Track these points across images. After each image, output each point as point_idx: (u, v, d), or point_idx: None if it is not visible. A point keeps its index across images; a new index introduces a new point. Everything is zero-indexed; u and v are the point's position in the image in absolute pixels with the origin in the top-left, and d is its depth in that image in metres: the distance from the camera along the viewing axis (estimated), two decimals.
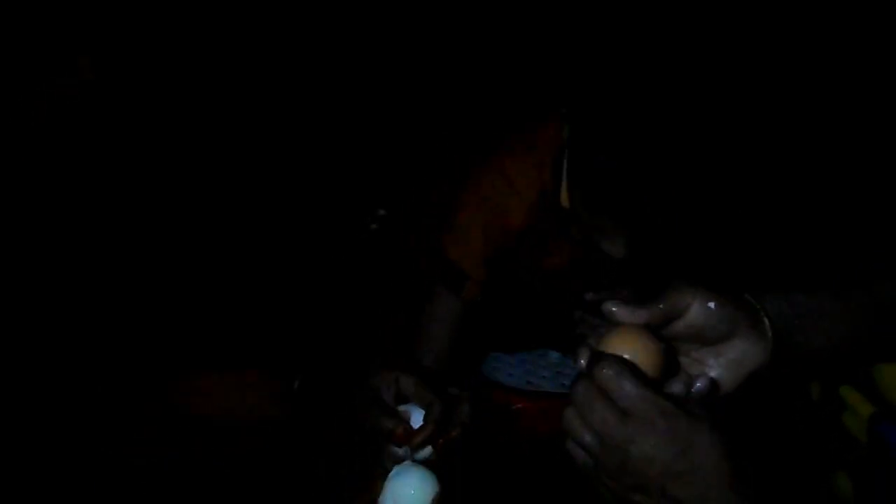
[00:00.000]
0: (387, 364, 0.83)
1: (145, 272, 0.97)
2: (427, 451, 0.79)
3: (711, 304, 0.59)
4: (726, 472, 0.53)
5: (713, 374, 0.60)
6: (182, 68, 1.11)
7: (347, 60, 1.67)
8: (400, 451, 0.79)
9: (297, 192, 1.50)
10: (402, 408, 0.81)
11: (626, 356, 0.56)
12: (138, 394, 0.85)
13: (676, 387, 0.58)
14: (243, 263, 1.24)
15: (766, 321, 0.60)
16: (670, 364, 0.59)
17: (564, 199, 1.11)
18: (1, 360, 0.78)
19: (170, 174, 1.04)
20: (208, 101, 1.25)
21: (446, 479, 0.74)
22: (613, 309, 0.59)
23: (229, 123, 1.33)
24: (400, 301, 1.36)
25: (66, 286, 0.86)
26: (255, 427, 0.87)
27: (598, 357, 0.56)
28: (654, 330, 0.59)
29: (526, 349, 1.31)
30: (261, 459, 0.92)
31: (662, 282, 0.60)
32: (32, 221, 0.85)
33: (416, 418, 0.80)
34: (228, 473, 0.88)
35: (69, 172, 0.88)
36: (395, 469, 0.75)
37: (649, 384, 0.55)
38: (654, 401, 0.54)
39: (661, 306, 0.59)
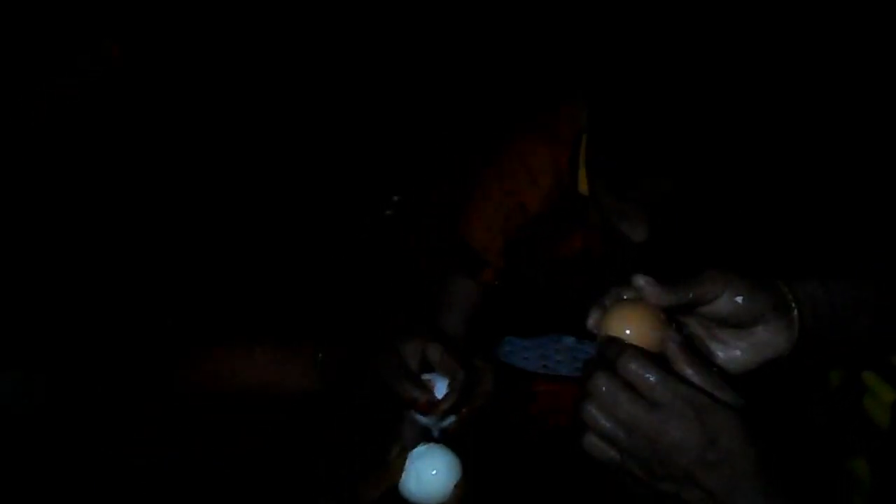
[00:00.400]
0: (413, 332, 0.82)
1: (166, 250, 0.98)
2: (449, 420, 0.78)
3: (739, 299, 0.59)
4: (754, 460, 0.53)
5: (731, 353, 0.60)
6: (202, 57, 1.11)
7: (359, 49, 1.66)
8: (423, 420, 0.78)
9: (318, 175, 1.50)
10: (426, 376, 0.80)
11: (629, 331, 0.56)
12: (139, 394, 0.85)
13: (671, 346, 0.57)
14: (265, 241, 1.25)
15: (795, 312, 0.59)
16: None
17: (582, 185, 1.11)
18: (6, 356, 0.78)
19: (190, 158, 1.04)
20: (227, 91, 1.25)
21: (469, 461, 0.73)
22: (642, 283, 0.58)
23: (249, 113, 1.34)
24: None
25: (78, 270, 0.86)
26: (281, 401, 0.87)
27: (616, 347, 0.56)
28: (674, 311, 0.59)
29: (540, 334, 1.31)
30: (279, 440, 0.93)
31: (693, 268, 0.60)
32: (41, 215, 0.85)
33: (440, 387, 0.79)
34: (232, 471, 0.88)
35: (81, 160, 0.88)
36: (418, 449, 0.74)
37: (673, 374, 0.54)
38: (683, 390, 0.53)
39: (690, 295, 0.58)
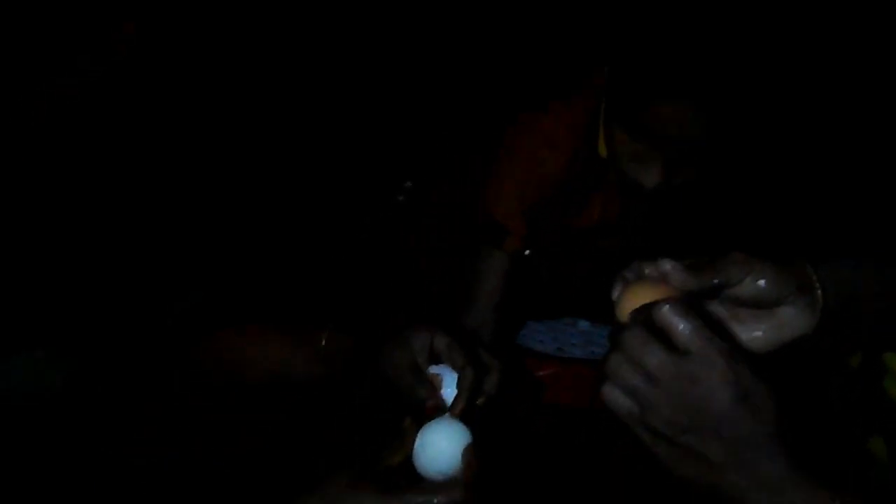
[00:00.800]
0: (421, 323, 0.82)
1: (178, 235, 0.98)
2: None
3: (762, 283, 0.59)
4: (782, 419, 0.53)
5: (753, 333, 0.60)
6: (208, 47, 1.11)
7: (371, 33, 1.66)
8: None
9: (327, 161, 1.50)
10: (433, 369, 0.81)
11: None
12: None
13: None
14: (274, 227, 1.25)
15: (819, 292, 0.59)
16: None
17: (602, 147, 1.12)
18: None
19: (196, 148, 1.04)
20: (231, 84, 1.25)
21: (479, 435, 0.74)
22: (668, 268, 0.58)
23: (254, 105, 1.34)
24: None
25: (91, 255, 0.87)
26: (287, 385, 0.88)
27: (640, 310, 0.56)
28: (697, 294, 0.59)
29: (555, 317, 1.32)
30: (278, 440, 0.93)
31: (716, 249, 0.60)
32: (54, 205, 0.85)
33: (449, 381, 0.79)
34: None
35: (91, 148, 0.88)
36: (428, 424, 0.74)
37: (710, 327, 0.54)
38: (717, 342, 0.53)
39: (715, 280, 0.58)
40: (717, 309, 0.63)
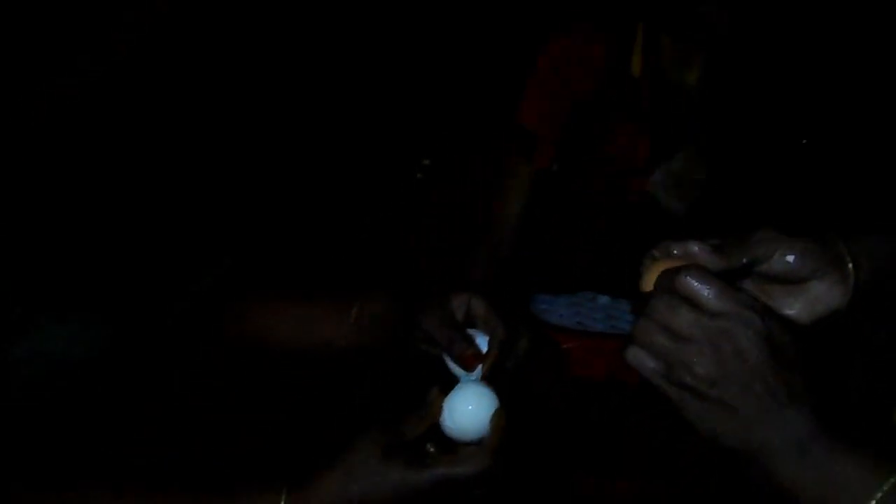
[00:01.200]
0: (460, 287, 0.84)
1: (207, 206, 0.98)
2: (477, 373, 0.80)
3: (791, 258, 0.59)
4: (809, 375, 0.53)
5: (785, 310, 0.60)
6: (215, 37, 1.11)
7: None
8: (459, 373, 0.80)
9: (350, 136, 1.50)
10: (467, 332, 0.82)
11: None
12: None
13: None
14: (303, 197, 1.25)
15: (850, 265, 0.59)
16: None
17: (636, 66, 1.14)
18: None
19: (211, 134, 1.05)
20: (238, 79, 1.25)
21: (504, 400, 0.74)
22: (696, 249, 0.58)
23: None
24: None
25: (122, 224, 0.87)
26: (320, 355, 0.89)
27: (673, 271, 0.56)
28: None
29: (575, 292, 1.33)
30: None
31: (747, 225, 0.60)
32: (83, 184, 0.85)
33: (480, 343, 0.81)
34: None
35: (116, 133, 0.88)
36: (456, 387, 0.75)
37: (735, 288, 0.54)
38: (745, 299, 0.53)
39: (744, 260, 0.59)
40: (747, 286, 0.63)
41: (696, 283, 0.54)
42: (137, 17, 0.86)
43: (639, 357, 0.56)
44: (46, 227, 0.80)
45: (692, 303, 0.54)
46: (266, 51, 1.17)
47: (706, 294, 0.53)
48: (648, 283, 0.59)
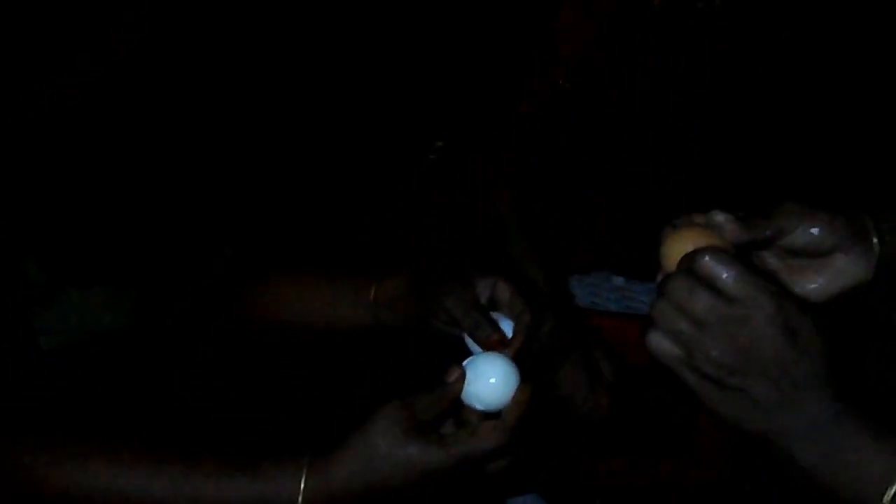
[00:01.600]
0: (486, 269, 0.83)
1: (229, 182, 0.99)
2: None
3: (815, 230, 0.58)
4: (828, 358, 0.53)
5: (808, 283, 0.60)
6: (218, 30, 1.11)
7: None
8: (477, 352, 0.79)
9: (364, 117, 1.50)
10: (492, 315, 0.81)
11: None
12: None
13: None
14: (323, 175, 1.25)
15: (875, 239, 0.59)
16: None
17: None
18: None
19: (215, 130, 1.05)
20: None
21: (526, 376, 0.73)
22: (720, 219, 0.58)
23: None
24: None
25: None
26: (339, 334, 0.89)
27: (691, 255, 0.55)
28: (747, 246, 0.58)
29: (589, 272, 1.33)
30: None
31: (771, 201, 0.59)
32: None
33: (505, 327, 0.80)
34: None
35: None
36: (482, 355, 0.74)
37: (754, 271, 0.54)
38: (762, 284, 0.53)
39: (767, 232, 0.58)
40: (771, 261, 0.62)
41: (715, 266, 0.53)
42: (137, 17, 0.86)
43: (659, 342, 0.56)
44: (62, 202, 0.81)
45: (710, 285, 0.54)
46: (269, 39, 1.17)
47: (724, 277, 0.53)
48: (668, 252, 0.59)
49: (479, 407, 0.71)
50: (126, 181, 0.86)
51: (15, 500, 0.67)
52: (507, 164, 1.30)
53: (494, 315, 0.81)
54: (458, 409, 0.72)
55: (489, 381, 0.71)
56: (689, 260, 0.55)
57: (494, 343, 0.77)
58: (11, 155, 0.80)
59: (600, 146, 1.33)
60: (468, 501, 0.75)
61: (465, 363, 0.73)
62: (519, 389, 0.71)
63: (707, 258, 0.54)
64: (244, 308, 0.94)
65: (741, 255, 0.58)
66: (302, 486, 0.66)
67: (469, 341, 0.81)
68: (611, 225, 1.31)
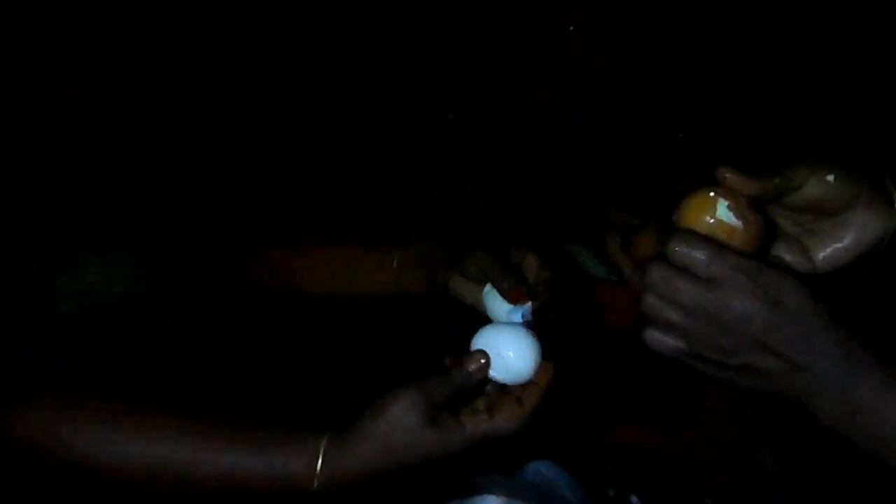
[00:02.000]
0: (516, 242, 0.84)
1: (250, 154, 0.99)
2: (518, 318, 0.78)
3: (831, 178, 0.58)
4: (823, 316, 0.53)
5: (828, 244, 0.60)
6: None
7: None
8: (496, 316, 0.79)
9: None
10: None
11: (710, 219, 0.56)
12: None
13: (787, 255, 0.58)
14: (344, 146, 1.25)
15: (894, 189, 0.58)
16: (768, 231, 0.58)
17: None
18: None
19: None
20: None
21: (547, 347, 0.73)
22: (727, 175, 0.57)
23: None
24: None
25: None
26: (360, 302, 0.90)
27: (666, 238, 0.56)
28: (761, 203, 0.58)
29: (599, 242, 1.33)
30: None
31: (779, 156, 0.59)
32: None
33: (523, 309, 0.79)
34: None
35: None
36: (486, 330, 0.73)
37: (724, 248, 0.54)
38: (734, 262, 0.53)
39: (777, 180, 0.58)
40: (788, 227, 0.62)
41: (687, 252, 0.54)
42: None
43: (656, 338, 0.56)
44: (75, 173, 0.81)
45: (688, 272, 0.54)
46: (270, 32, 1.17)
47: (698, 262, 0.53)
48: (683, 218, 0.59)
49: (496, 377, 0.71)
50: (136, 160, 0.87)
51: (38, 471, 0.67)
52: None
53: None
54: (475, 387, 0.72)
55: (508, 353, 0.71)
56: (668, 247, 0.55)
57: (519, 293, 0.77)
58: (20, 140, 0.80)
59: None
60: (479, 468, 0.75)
61: (481, 331, 0.73)
62: (541, 370, 0.71)
63: (678, 247, 0.54)
64: (262, 275, 0.94)
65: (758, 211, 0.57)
66: (318, 468, 0.66)
67: (489, 307, 0.80)
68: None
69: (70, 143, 0.82)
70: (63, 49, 0.83)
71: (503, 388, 0.72)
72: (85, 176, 0.82)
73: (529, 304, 0.78)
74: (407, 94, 1.67)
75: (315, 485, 0.65)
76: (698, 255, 0.53)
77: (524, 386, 0.72)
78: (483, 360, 0.71)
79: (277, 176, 1.07)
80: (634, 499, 1.14)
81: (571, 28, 1.23)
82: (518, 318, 0.78)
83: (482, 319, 0.80)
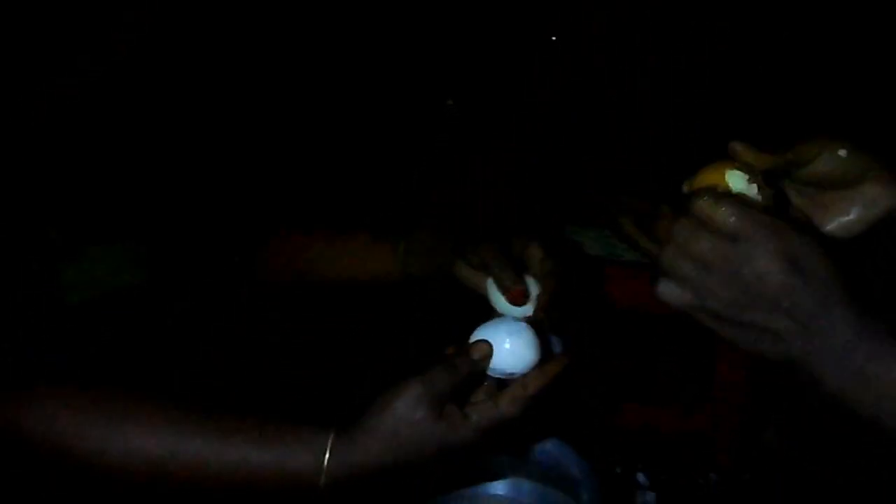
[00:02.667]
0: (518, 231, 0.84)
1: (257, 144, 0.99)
2: (528, 308, 0.78)
3: (842, 152, 0.58)
4: (842, 283, 0.52)
5: (839, 217, 0.60)
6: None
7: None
8: (501, 309, 0.78)
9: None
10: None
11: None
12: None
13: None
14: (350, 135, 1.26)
15: None
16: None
17: None
18: None
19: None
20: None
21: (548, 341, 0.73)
22: (739, 148, 0.58)
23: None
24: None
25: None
26: (367, 288, 0.90)
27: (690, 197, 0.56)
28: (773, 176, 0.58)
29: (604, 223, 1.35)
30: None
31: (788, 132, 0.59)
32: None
33: (531, 287, 0.79)
34: None
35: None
36: (486, 326, 0.73)
37: (750, 205, 0.54)
38: (760, 218, 0.53)
39: (789, 155, 0.58)
40: (798, 199, 0.62)
41: (712, 206, 0.54)
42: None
43: (669, 289, 0.56)
44: (78, 166, 0.81)
45: (711, 227, 0.54)
46: (270, 30, 1.17)
47: (722, 216, 0.53)
48: (695, 183, 0.59)
49: (495, 372, 0.71)
50: (137, 158, 0.87)
51: (43, 467, 0.66)
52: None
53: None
54: (477, 380, 0.72)
55: (504, 346, 0.71)
56: (690, 202, 0.55)
57: (518, 293, 0.77)
58: (21, 138, 0.80)
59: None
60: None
61: (481, 327, 0.73)
62: (554, 361, 0.71)
63: (704, 199, 0.54)
64: (276, 263, 0.94)
65: (771, 187, 0.57)
66: (325, 463, 0.65)
67: (493, 299, 0.80)
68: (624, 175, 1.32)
69: (71, 140, 0.82)
70: (63, 49, 0.83)
71: (503, 384, 0.72)
72: (87, 172, 0.82)
73: (531, 304, 0.77)
74: (407, 94, 1.67)
75: (322, 480, 0.65)
76: (724, 209, 0.53)
77: (527, 373, 0.72)
78: (486, 349, 0.71)
79: (278, 174, 1.07)
80: (641, 477, 1.14)
81: (554, 39, 1.23)
82: (522, 311, 0.77)
83: (484, 314, 0.80)
